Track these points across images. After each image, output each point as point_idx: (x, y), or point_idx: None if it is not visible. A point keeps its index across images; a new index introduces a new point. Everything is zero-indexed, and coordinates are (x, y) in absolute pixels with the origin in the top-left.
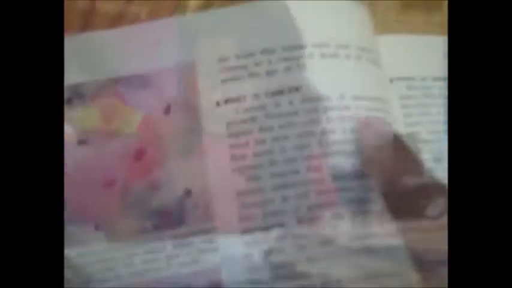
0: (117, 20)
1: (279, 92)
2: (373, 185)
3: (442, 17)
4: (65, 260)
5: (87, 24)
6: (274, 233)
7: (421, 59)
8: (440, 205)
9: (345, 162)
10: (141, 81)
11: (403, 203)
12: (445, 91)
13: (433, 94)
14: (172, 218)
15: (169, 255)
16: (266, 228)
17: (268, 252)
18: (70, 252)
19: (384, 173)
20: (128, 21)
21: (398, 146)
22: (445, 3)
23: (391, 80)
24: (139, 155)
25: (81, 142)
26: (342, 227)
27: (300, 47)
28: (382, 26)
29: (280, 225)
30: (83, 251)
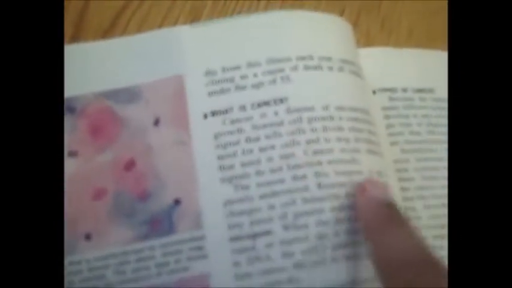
0: (107, 32)
1: (265, 104)
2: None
3: (423, 31)
4: None
5: (77, 35)
6: (262, 241)
7: (402, 71)
8: None
9: (330, 170)
10: (130, 94)
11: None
12: (432, 102)
13: (414, 105)
14: (162, 227)
15: (159, 263)
16: (254, 236)
17: (256, 259)
18: None
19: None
20: (118, 33)
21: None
22: (431, 19)
23: (374, 92)
24: (129, 165)
25: (71, 154)
26: (327, 234)
27: (285, 59)
28: (365, 39)
29: (268, 232)
30: (74, 259)
